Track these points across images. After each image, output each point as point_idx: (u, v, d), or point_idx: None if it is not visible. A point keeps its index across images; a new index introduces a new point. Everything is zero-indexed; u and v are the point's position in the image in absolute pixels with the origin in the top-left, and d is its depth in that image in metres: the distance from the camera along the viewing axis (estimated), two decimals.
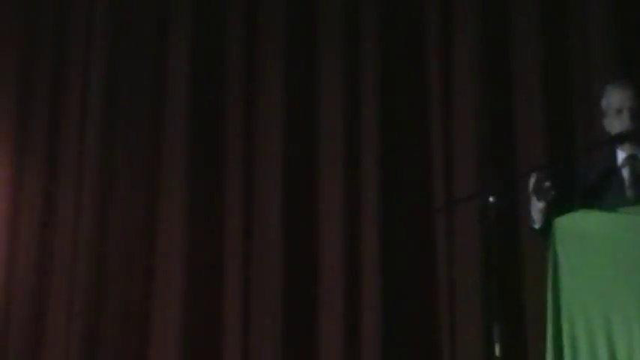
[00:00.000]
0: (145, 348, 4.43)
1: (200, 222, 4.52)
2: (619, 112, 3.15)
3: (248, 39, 4.65)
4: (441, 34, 4.28)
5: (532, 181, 3.01)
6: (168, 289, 4.47)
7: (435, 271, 4.14)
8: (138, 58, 4.77)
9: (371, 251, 4.22)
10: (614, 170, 3.16)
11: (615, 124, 3.16)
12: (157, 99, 4.71)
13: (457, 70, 4.21)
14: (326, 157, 4.43)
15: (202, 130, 4.62)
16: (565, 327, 2.84)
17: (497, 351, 2.89)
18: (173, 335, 4.39)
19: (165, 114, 4.67)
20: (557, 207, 2.99)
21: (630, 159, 3.15)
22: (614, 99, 3.18)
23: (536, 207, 3.04)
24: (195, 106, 4.63)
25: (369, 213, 4.26)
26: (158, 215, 4.58)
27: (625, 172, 3.14)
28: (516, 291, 3.86)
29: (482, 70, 4.15)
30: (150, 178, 4.63)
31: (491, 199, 3.06)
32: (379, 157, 4.29)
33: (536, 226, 3.08)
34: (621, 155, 3.18)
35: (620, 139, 3.14)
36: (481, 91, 4.13)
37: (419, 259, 4.17)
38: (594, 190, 3.13)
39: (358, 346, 4.17)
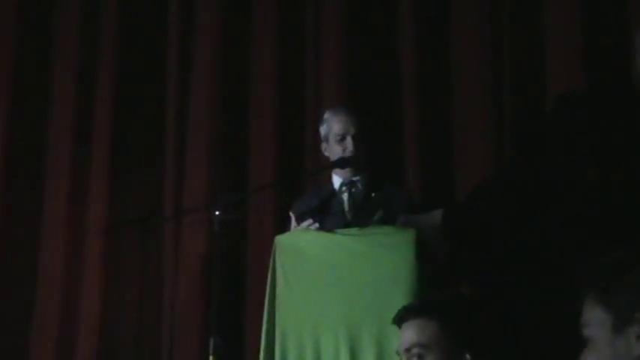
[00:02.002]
0: None
1: None
2: (342, 138, 3.23)
3: None
4: (182, 43, 4.26)
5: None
6: None
7: (160, 282, 4.11)
8: None
9: (93, 260, 4.14)
10: (335, 193, 3.29)
11: (338, 150, 3.24)
12: None
13: (195, 81, 4.20)
14: (53, 163, 4.32)
15: None
16: (277, 340, 2.93)
17: None
18: None
19: None
20: None
21: (350, 184, 3.26)
22: (337, 126, 3.25)
23: None
24: None
25: (95, 222, 4.18)
26: None
27: (345, 196, 3.26)
28: (238, 305, 3.91)
29: (220, 83, 4.18)
30: None
31: (217, 212, 3.11)
32: (108, 165, 4.23)
33: None
34: (338, 180, 3.29)
35: (344, 164, 3.23)
36: (218, 104, 4.16)
37: (144, 270, 4.12)
38: (317, 211, 3.23)
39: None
